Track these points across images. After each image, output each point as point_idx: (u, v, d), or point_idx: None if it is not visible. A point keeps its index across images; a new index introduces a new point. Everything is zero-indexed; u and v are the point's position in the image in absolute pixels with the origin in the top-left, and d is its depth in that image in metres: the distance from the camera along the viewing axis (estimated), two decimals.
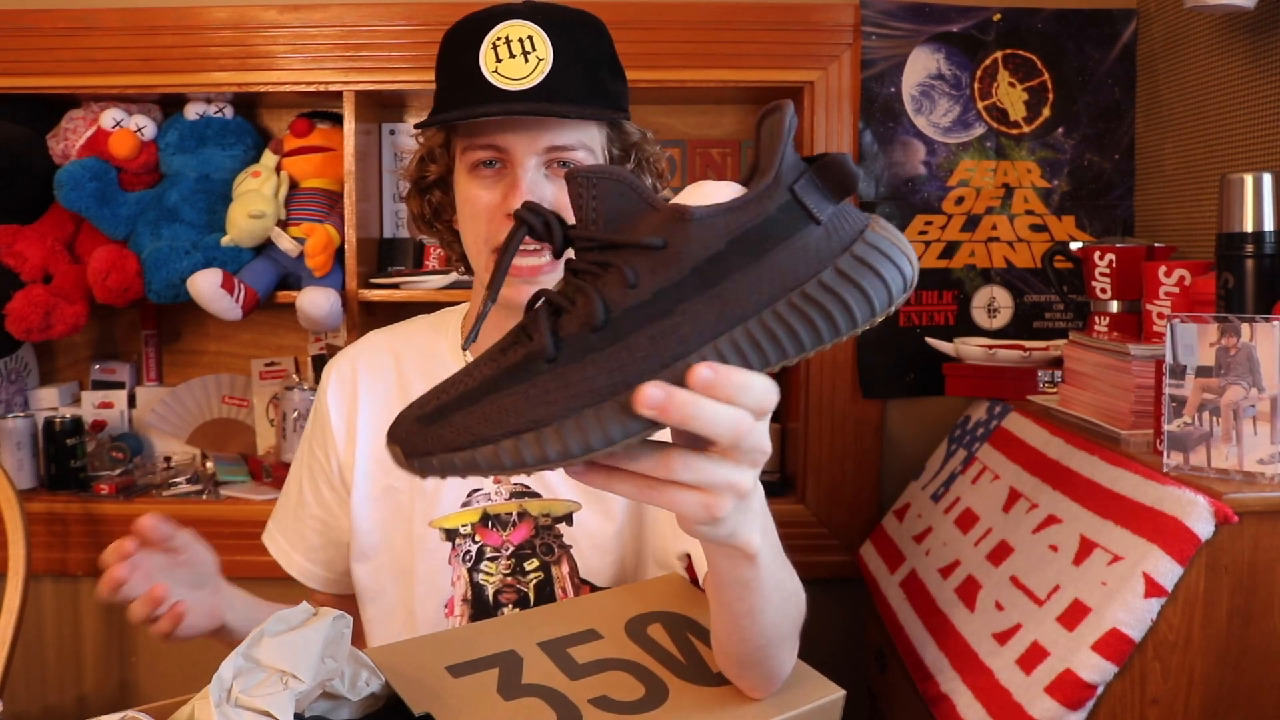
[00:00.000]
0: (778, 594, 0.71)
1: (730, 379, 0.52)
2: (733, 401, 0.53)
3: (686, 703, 0.78)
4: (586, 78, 0.95)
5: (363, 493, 1.08)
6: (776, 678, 0.77)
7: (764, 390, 0.54)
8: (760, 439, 0.56)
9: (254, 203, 1.80)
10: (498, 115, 0.92)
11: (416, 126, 1.02)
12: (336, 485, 1.11)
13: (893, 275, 0.54)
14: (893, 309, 0.55)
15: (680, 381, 0.52)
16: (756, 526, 0.61)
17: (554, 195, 0.96)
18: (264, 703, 0.65)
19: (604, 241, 0.55)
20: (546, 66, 0.93)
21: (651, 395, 0.51)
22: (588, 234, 0.56)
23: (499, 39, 0.93)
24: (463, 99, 0.94)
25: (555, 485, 1.04)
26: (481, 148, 0.97)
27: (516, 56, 0.93)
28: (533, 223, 0.57)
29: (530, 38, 0.93)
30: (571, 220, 0.57)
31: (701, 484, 0.55)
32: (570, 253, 0.58)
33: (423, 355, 1.11)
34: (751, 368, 0.54)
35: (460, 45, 0.96)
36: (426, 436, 0.53)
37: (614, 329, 0.53)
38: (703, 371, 0.52)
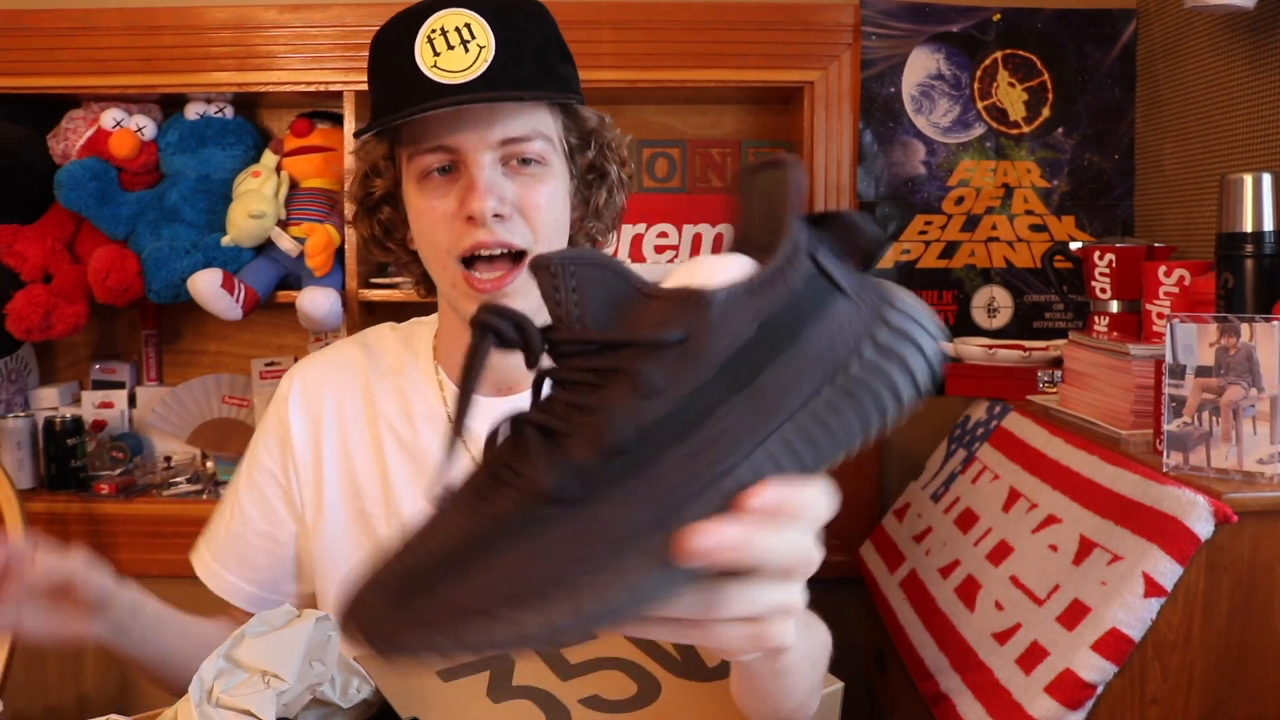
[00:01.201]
0: (807, 662, 0.70)
1: (796, 496, 0.44)
2: (797, 520, 0.44)
3: (679, 699, 0.78)
4: (534, 62, 0.89)
5: (335, 520, 1.00)
6: None
7: (828, 498, 0.46)
8: (816, 549, 0.47)
9: (254, 203, 1.80)
10: (446, 107, 0.84)
11: (356, 135, 0.91)
12: (295, 504, 1.03)
13: (928, 342, 0.47)
14: (934, 382, 0.48)
15: (727, 504, 0.43)
16: (793, 624, 0.50)
17: (516, 195, 0.89)
18: (245, 702, 0.65)
19: (606, 341, 0.44)
20: (490, 54, 0.86)
21: (698, 545, 0.40)
22: (580, 335, 0.44)
23: (434, 31, 0.86)
24: (402, 101, 0.87)
25: None
26: (429, 151, 0.89)
27: (455, 48, 0.86)
28: (499, 327, 0.44)
29: (468, 25, 0.86)
30: (544, 319, 0.45)
31: (753, 615, 0.45)
32: (545, 360, 0.46)
33: (391, 375, 1.04)
34: (807, 470, 0.45)
35: (393, 44, 0.89)
36: (403, 622, 0.40)
37: (637, 451, 0.42)
38: (768, 494, 0.42)
